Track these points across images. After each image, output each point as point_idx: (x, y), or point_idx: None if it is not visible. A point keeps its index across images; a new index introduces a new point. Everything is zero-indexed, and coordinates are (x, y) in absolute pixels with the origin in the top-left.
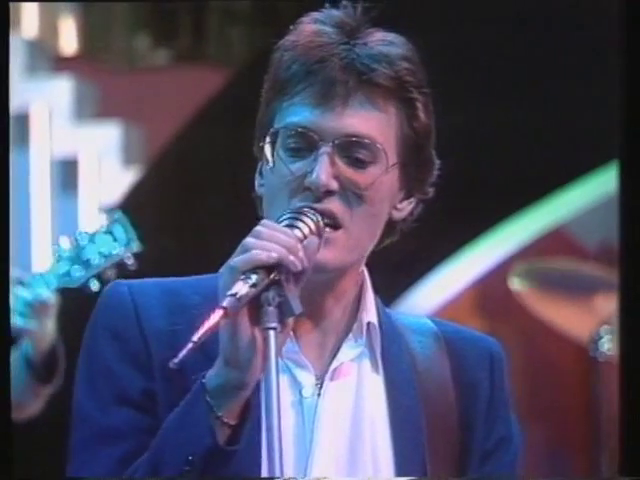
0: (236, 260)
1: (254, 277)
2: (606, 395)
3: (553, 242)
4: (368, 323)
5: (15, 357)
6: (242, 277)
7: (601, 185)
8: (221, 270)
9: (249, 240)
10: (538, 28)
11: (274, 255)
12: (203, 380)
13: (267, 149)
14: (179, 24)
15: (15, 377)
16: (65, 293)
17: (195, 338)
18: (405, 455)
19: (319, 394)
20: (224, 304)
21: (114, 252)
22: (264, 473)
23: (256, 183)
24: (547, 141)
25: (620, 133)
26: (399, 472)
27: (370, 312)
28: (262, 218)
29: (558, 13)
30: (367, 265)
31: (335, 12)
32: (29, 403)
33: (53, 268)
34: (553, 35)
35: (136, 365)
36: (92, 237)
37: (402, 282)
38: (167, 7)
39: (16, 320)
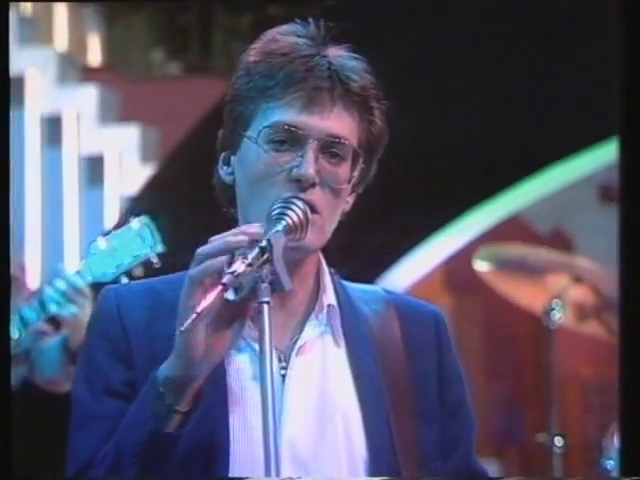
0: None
1: (250, 256)
2: (556, 358)
3: (511, 228)
4: (329, 305)
5: (55, 341)
6: (240, 257)
7: (551, 180)
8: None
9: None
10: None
11: (242, 238)
12: (156, 372)
13: (249, 142)
14: (189, 40)
15: (53, 358)
16: (98, 288)
17: (198, 310)
18: (371, 416)
19: (285, 368)
20: (224, 281)
21: (142, 252)
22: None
23: (221, 172)
24: (500, 142)
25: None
26: (367, 431)
27: (328, 293)
28: (222, 203)
29: None
30: (347, 252)
31: (304, 27)
32: (62, 383)
33: (88, 264)
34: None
35: (119, 359)
36: (123, 238)
37: (381, 264)
38: (179, 25)
39: (54, 308)
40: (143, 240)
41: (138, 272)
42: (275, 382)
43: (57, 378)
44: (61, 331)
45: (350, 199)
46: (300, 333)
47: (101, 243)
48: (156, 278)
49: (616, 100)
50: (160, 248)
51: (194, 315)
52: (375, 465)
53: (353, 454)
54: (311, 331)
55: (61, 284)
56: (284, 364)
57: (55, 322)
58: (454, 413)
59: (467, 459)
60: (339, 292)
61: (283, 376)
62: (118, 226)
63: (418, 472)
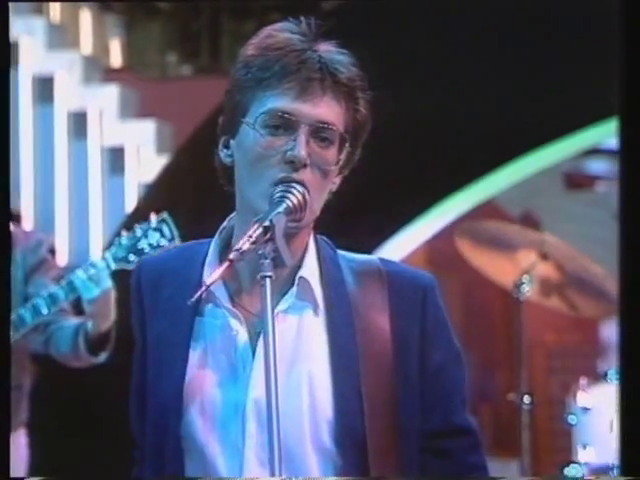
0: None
1: (254, 235)
2: (524, 326)
3: (486, 211)
4: (300, 278)
5: (74, 322)
6: (246, 236)
7: (522, 168)
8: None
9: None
10: None
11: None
12: None
13: (247, 127)
14: (200, 45)
15: (67, 336)
16: (120, 275)
17: (208, 282)
18: (341, 384)
19: (257, 334)
20: (230, 257)
21: (161, 244)
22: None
23: (221, 154)
24: (477, 134)
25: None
26: (335, 397)
27: (306, 267)
28: (223, 184)
29: None
30: (339, 231)
31: (297, 25)
32: (72, 360)
33: (113, 253)
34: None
35: (138, 326)
36: (145, 232)
37: (370, 242)
38: (191, 31)
39: (81, 290)
40: (162, 235)
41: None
42: (252, 345)
43: (67, 354)
44: (82, 316)
45: (337, 180)
46: (277, 305)
47: (125, 235)
48: (170, 248)
49: (590, 92)
50: (177, 242)
51: (203, 287)
52: (340, 428)
53: (317, 417)
54: (284, 303)
55: (89, 270)
56: (257, 334)
57: (78, 307)
58: (435, 376)
59: (447, 417)
60: (325, 265)
61: (255, 343)
62: (140, 221)
63: (391, 433)
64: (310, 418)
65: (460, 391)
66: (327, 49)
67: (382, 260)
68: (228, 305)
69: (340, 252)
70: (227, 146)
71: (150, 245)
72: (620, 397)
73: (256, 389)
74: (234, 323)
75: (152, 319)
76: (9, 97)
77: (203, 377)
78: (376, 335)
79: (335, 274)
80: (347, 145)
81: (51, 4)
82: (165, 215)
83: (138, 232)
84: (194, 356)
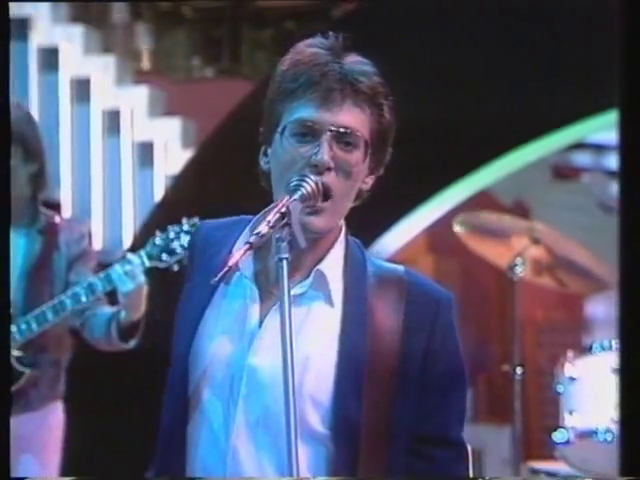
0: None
1: (272, 220)
2: (517, 304)
3: (481, 200)
4: (317, 270)
5: (108, 311)
6: (265, 221)
7: (514, 161)
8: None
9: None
10: None
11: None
12: None
13: (279, 136)
14: (221, 50)
15: (101, 323)
16: (154, 274)
17: (230, 263)
18: (344, 372)
19: (269, 308)
20: (250, 240)
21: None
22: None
23: (261, 161)
24: (473, 128)
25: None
26: (336, 385)
27: (327, 262)
28: (265, 188)
29: None
30: (347, 220)
31: (324, 39)
32: (103, 344)
33: (148, 251)
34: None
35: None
36: (177, 234)
37: (376, 227)
38: (213, 38)
39: (117, 283)
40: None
41: (185, 262)
42: (262, 316)
43: (100, 339)
44: (116, 306)
45: (369, 180)
46: (293, 289)
47: (159, 236)
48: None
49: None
50: None
51: (226, 268)
52: (336, 417)
53: (304, 399)
54: (298, 289)
55: (125, 265)
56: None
57: (112, 297)
58: (434, 387)
59: (441, 428)
60: (350, 264)
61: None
62: (167, 209)
63: (384, 430)
64: (297, 397)
65: (457, 407)
66: (351, 60)
67: (407, 271)
68: (251, 279)
69: (371, 257)
70: (265, 154)
71: (181, 246)
72: (620, 396)
73: (255, 356)
74: (251, 294)
75: (192, 275)
76: (9, 69)
77: (213, 338)
78: (386, 339)
79: (358, 274)
80: (371, 147)
81: (90, 14)
82: (196, 220)
83: (171, 234)
84: (210, 317)
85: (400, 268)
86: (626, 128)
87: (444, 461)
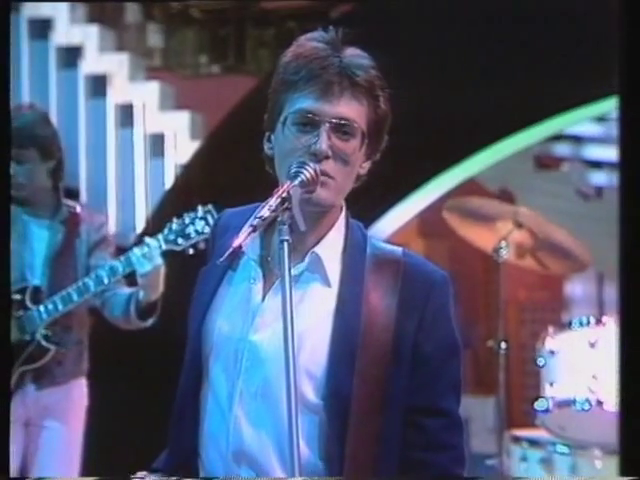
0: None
1: (274, 205)
2: (502, 285)
3: (469, 187)
4: (312, 252)
5: (127, 291)
6: (266, 205)
7: (499, 151)
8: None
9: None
10: None
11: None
12: None
13: (281, 125)
14: (227, 48)
15: (120, 302)
16: (170, 257)
17: (235, 245)
18: (338, 347)
19: (271, 287)
20: (253, 223)
21: (205, 231)
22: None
23: (265, 147)
24: (460, 120)
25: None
26: (330, 358)
27: (323, 244)
28: (269, 171)
29: None
30: (347, 201)
31: (324, 34)
32: (121, 323)
33: (165, 235)
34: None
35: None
36: (193, 220)
37: (372, 213)
38: (220, 36)
39: (137, 265)
40: (207, 223)
41: (201, 246)
42: (264, 294)
43: (120, 318)
44: (135, 287)
45: (366, 165)
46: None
47: (175, 221)
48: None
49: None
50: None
51: (231, 249)
52: (328, 389)
53: (299, 371)
54: (295, 270)
55: (144, 248)
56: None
57: (130, 278)
58: (426, 362)
59: (433, 398)
60: (349, 245)
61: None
62: (179, 196)
63: (376, 402)
64: (297, 369)
65: (451, 378)
66: (349, 54)
67: (405, 252)
68: (256, 261)
69: (372, 239)
70: (269, 140)
71: (196, 231)
72: (620, 397)
73: (257, 332)
74: (255, 275)
75: (210, 258)
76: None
77: (221, 316)
78: (380, 317)
79: (357, 256)
80: (367, 136)
81: (106, 15)
82: (210, 207)
83: (187, 219)
84: (220, 297)
85: (398, 249)
86: (625, 122)
87: (434, 429)
